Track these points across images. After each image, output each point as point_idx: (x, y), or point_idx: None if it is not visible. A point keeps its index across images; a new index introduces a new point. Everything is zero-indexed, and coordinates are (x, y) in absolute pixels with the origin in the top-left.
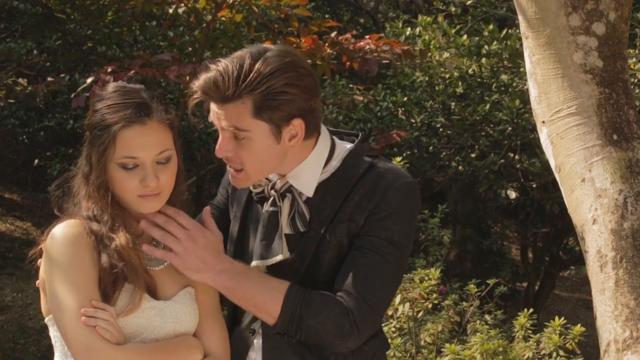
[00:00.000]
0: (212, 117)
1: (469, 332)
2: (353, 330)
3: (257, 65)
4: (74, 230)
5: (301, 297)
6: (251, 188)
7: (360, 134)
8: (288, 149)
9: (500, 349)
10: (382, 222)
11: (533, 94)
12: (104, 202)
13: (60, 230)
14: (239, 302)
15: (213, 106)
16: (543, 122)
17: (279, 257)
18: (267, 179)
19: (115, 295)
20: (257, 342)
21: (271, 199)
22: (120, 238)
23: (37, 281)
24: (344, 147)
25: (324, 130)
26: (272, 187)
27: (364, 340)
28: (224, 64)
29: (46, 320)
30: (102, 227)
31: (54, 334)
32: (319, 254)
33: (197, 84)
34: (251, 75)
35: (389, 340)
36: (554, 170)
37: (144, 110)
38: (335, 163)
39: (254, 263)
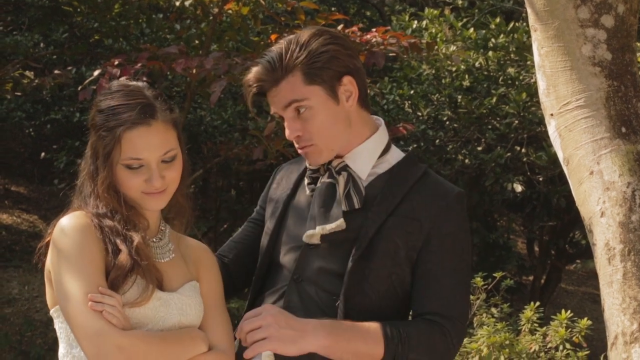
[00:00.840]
0: (273, 108)
1: (475, 325)
2: (451, 349)
3: (293, 41)
4: (81, 221)
5: (399, 337)
6: (307, 164)
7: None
8: (349, 110)
9: (507, 342)
10: (453, 235)
11: (541, 86)
12: (115, 202)
13: (68, 221)
14: (342, 356)
15: (269, 95)
16: (551, 114)
17: (339, 222)
18: None
19: (125, 288)
20: None
21: (327, 173)
22: (135, 237)
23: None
24: (400, 151)
25: (383, 124)
26: (328, 165)
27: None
28: (266, 55)
29: (51, 312)
30: (116, 224)
31: (59, 325)
32: (374, 242)
33: (250, 76)
34: (291, 49)
35: None
36: (562, 162)
37: (148, 112)
38: (391, 159)
39: (315, 230)
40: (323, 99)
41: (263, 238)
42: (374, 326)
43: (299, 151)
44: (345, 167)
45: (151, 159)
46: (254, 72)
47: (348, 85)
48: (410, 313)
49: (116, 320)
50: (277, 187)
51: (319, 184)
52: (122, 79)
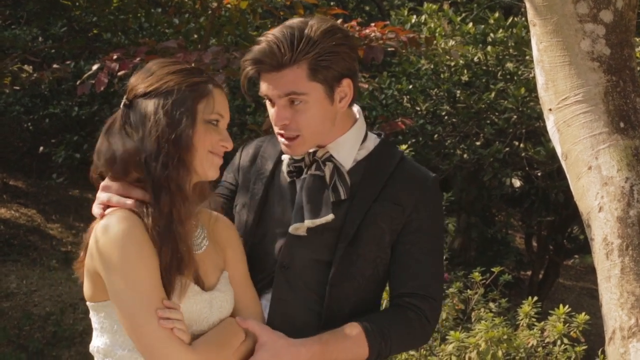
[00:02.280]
0: (265, 90)
1: (473, 320)
2: (427, 327)
3: (306, 32)
4: (130, 225)
5: (381, 334)
6: (287, 158)
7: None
8: (339, 110)
9: (505, 337)
10: (431, 218)
11: (540, 81)
12: (185, 182)
13: (116, 227)
14: None
15: (266, 76)
16: (550, 109)
17: (330, 216)
18: None
19: (173, 288)
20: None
21: (314, 164)
22: (184, 227)
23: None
24: (372, 134)
25: (360, 112)
26: (313, 156)
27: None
28: (273, 35)
29: (91, 304)
30: (175, 224)
31: (102, 319)
32: (361, 228)
33: (251, 55)
34: (303, 40)
35: None
36: (560, 157)
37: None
38: (369, 144)
39: (303, 223)
40: (321, 97)
41: (241, 216)
42: (356, 330)
43: (280, 139)
44: (330, 158)
45: (226, 120)
46: (258, 50)
47: (346, 87)
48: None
49: (185, 336)
50: (251, 167)
51: (305, 175)
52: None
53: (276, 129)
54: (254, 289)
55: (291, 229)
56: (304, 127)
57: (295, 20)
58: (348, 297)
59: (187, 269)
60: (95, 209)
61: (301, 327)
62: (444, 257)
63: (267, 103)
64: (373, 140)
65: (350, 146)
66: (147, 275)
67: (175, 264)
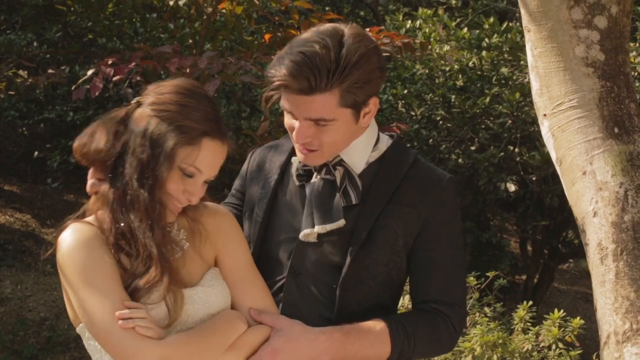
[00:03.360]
0: (288, 107)
1: (468, 324)
2: (453, 335)
3: (343, 53)
4: (84, 234)
5: (404, 332)
6: (297, 162)
7: (395, 134)
8: (361, 126)
9: (500, 341)
10: (448, 222)
11: (535, 87)
12: (159, 204)
13: (70, 237)
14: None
15: (294, 98)
16: (544, 115)
17: (341, 222)
18: None
19: (146, 292)
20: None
21: (324, 168)
22: (157, 236)
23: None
24: (385, 136)
25: None
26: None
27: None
28: (307, 55)
29: (78, 329)
30: (141, 235)
31: (87, 342)
32: (373, 232)
33: (281, 75)
34: (340, 66)
35: None
36: (555, 163)
37: (225, 130)
38: (382, 146)
39: (314, 229)
40: (347, 119)
41: (250, 225)
42: (379, 326)
43: (299, 149)
44: (341, 162)
45: (205, 176)
46: (289, 71)
47: (371, 105)
48: (405, 299)
49: (151, 332)
50: (258, 174)
51: (315, 179)
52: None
53: (297, 143)
54: (262, 279)
55: (301, 236)
56: (325, 144)
57: (328, 33)
58: (360, 303)
59: (162, 272)
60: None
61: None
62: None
63: (287, 114)
64: (385, 142)
65: (363, 149)
66: (102, 280)
67: (144, 268)
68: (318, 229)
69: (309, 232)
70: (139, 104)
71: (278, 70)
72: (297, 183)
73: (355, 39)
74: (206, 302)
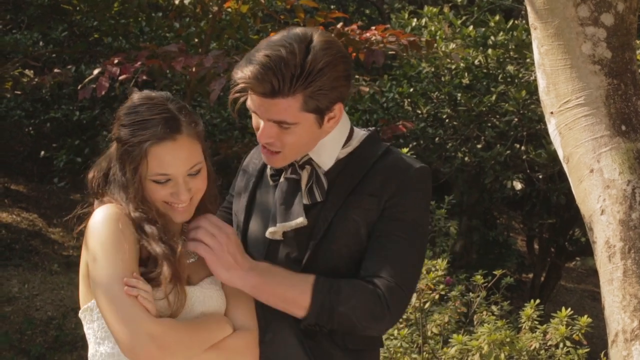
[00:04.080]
0: (253, 107)
1: (475, 323)
2: (385, 313)
3: (308, 59)
4: (114, 211)
5: (329, 286)
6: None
7: (373, 128)
8: (326, 130)
9: (507, 340)
10: (406, 204)
11: (541, 84)
12: (152, 213)
13: (101, 212)
14: (268, 298)
15: (258, 99)
16: (551, 112)
17: (300, 220)
18: None
19: (157, 295)
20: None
21: (290, 168)
22: (177, 247)
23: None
24: (361, 132)
25: (344, 112)
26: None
27: (397, 321)
28: (269, 59)
29: (81, 312)
30: (154, 230)
31: (87, 326)
32: (333, 224)
33: (244, 77)
34: (305, 72)
35: (396, 332)
36: (562, 160)
37: (173, 126)
38: (354, 142)
39: (276, 227)
40: (310, 124)
41: (234, 222)
42: (309, 276)
43: (262, 151)
44: (309, 161)
45: (178, 174)
46: (252, 74)
47: (336, 110)
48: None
49: (151, 306)
50: (243, 175)
51: (281, 179)
52: (145, 91)
53: (261, 143)
54: (248, 295)
55: (267, 234)
56: (287, 146)
57: (296, 37)
58: None
59: (176, 263)
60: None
61: (285, 331)
62: (447, 261)
63: (253, 114)
64: (359, 138)
65: (332, 147)
66: (121, 251)
67: (165, 275)
68: (279, 227)
69: (273, 230)
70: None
71: (243, 72)
72: (270, 183)
73: (323, 45)
74: (202, 301)
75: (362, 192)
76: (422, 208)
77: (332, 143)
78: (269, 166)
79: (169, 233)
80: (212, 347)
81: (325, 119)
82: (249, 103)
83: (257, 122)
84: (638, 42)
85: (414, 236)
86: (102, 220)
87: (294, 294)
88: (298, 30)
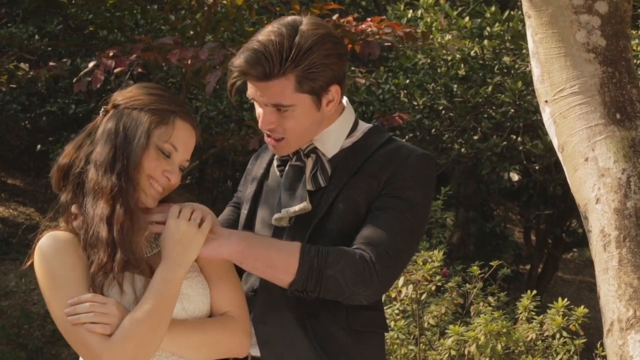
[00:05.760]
0: (251, 95)
1: (472, 314)
2: (373, 277)
3: (296, 40)
4: (55, 240)
5: (317, 250)
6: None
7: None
8: (326, 114)
9: (504, 331)
10: (404, 183)
11: (536, 73)
12: (131, 194)
13: (41, 245)
14: (254, 264)
15: (255, 85)
16: (546, 101)
17: (304, 204)
18: None
19: (104, 280)
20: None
21: (295, 156)
22: (125, 221)
23: None
24: (366, 125)
25: (348, 103)
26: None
27: (386, 290)
28: (262, 43)
29: None
30: (114, 234)
31: None
32: (334, 205)
33: (238, 64)
34: (293, 51)
35: (393, 323)
36: (556, 149)
37: (191, 117)
38: (358, 134)
39: (281, 213)
40: (307, 106)
41: (240, 220)
42: (295, 242)
43: (267, 140)
44: (314, 150)
45: (181, 156)
46: (245, 60)
47: (333, 92)
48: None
49: (100, 327)
50: (252, 170)
51: (287, 167)
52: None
53: (265, 133)
54: (236, 276)
55: (273, 220)
56: (288, 131)
57: (286, 23)
58: None
59: (134, 267)
60: None
61: (285, 311)
62: (443, 252)
63: (255, 104)
64: (363, 130)
65: (336, 137)
66: (66, 284)
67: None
68: (284, 212)
69: (279, 217)
70: (106, 112)
71: (238, 60)
72: (277, 173)
73: (311, 27)
74: (183, 292)
75: (363, 174)
76: (420, 189)
77: (336, 132)
78: (275, 157)
79: (135, 224)
80: (197, 333)
81: (323, 101)
82: (248, 92)
83: (258, 112)
84: (633, 32)
85: (408, 211)
86: (43, 255)
87: (281, 257)
88: (289, 17)
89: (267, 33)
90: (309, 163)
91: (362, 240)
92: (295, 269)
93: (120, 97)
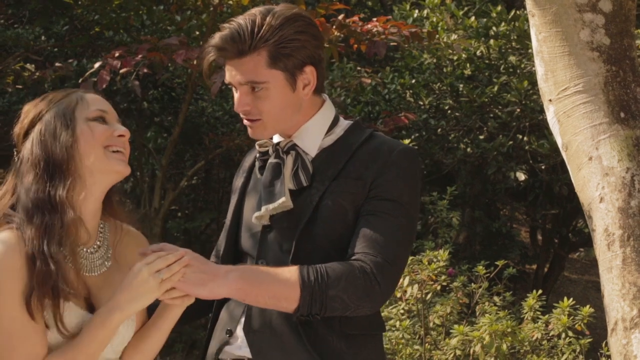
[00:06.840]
0: (228, 78)
1: (477, 313)
2: (375, 288)
3: (267, 19)
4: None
5: (315, 272)
6: (257, 147)
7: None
8: (303, 97)
9: (509, 330)
10: (391, 184)
11: (540, 72)
12: (65, 204)
13: None
14: (257, 298)
15: (229, 63)
16: (550, 100)
17: (282, 200)
18: (271, 139)
19: (41, 311)
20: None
21: (274, 154)
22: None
23: None
24: (346, 122)
25: (328, 98)
26: (277, 145)
27: (389, 297)
28: (236, 22)
29: None
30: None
31: None
32: (318, 209)
33: (213, 42)
34: (264, 27)
35: (398, 323)
36: (560, 148)
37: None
38: (338, 130)
39: (261, 211)
40: (281, 84)
41: (226, 225)
42: (291, 268)
43: (244, 122)
44: (294, 146)
45: (113, 115)
46: (220, 38)
47: (309, 74)
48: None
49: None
50: (237, 176)
51: (267, 166)
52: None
53: (242, 116)
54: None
55: (253, 219)
56: (264, 112)
57: (260, 8)
58: None
59: (64, 293)
60: None
61: (277, 319)
62: (449, 252)
63: (233, 90)
64: (343, 127)
65: (315, 132)
66: (7, 301)
67: (44, 288)
68: (264, 210)
69: (259, 215)
70: (18, 152)
71: (213, 40)
72: (258, 175)
73: (284, 7)
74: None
75: (347, 176)
76: (407, 187)
77: (315, 127)
78: (256, 161)
79: (69, 236)
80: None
81: (299, 83)
82: (226, 78)
83: (236, 97)
84: (638, 31)
85: (400, 214)
86: None
87: (281, 288)
88: (268, 5)
89: (242, 16)
90: (289, 160)
91: (359, 250)
92: (298, 295)
93: (20, 126)
